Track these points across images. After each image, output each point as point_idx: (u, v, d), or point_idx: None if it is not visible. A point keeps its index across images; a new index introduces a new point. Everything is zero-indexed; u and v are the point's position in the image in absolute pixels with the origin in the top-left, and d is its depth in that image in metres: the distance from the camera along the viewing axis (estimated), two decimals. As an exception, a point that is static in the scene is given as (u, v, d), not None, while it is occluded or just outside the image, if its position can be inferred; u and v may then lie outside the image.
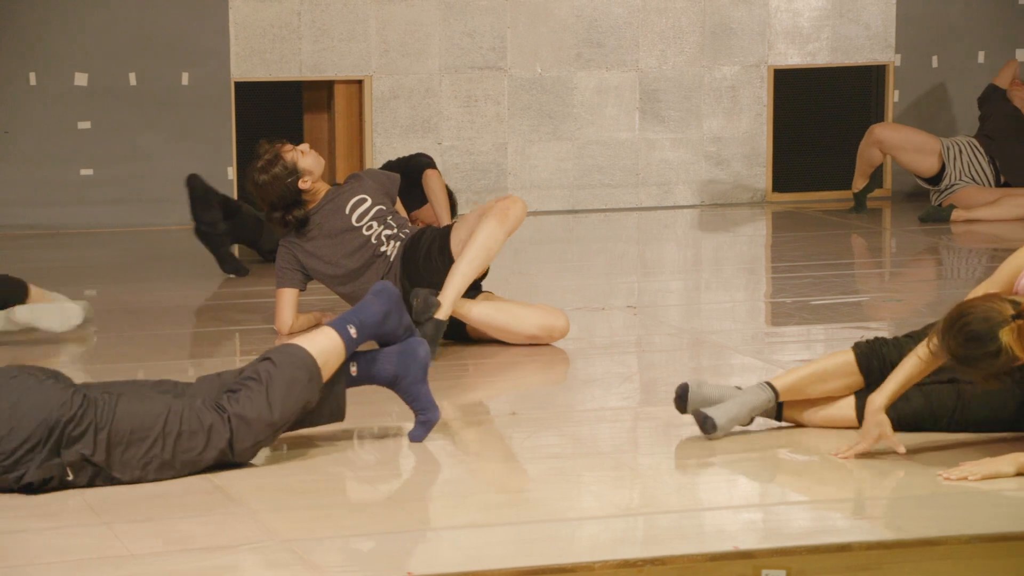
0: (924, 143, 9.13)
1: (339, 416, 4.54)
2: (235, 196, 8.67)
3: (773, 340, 6.23)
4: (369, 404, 5.10)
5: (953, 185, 9.10)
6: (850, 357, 4.62)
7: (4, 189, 8.83)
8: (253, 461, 4.37)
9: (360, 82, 9.25)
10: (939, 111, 9.96)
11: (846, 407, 4.66)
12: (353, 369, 4.54)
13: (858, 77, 9.93)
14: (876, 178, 9.32)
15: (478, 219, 5.82)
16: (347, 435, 4.74)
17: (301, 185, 6.00)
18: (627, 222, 9.26)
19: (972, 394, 4.61)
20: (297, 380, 4.35)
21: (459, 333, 5.95)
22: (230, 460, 4.28)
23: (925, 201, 9.40)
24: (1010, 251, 4.64)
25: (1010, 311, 4.13)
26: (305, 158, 6.03)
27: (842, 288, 7.03)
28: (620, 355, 5.92)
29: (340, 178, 8.77)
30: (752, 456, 4.54)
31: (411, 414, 4.67)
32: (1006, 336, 4.11)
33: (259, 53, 9.04)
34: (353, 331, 4.49)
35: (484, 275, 5.96)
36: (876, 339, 4.67)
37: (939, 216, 8.93)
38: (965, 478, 4.18)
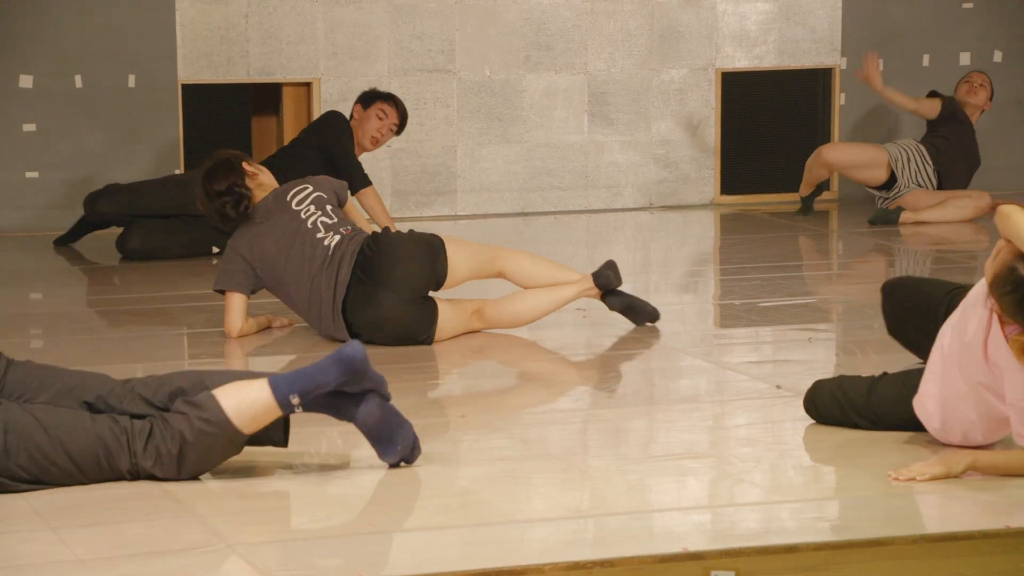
0: (873, 158, 9.17)
1: (278, 444, 4.38)
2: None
3: (722, 342, 6.26)
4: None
5: (902, 191, 9.19)
6: None
7: (-52, 192, 8.77)
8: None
9: (308, 85, 9.23)
10: (885, 114, 10.04)
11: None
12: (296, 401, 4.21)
13: (805, 80, 9.99)
14: (822, 185, 9.39)
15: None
16: (296, 438, 4.72)
17: (246, 166, 6.01)
18: (576, 224, 9.27)
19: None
20: (213, 449, 4.16)
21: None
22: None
23: (872, 204, 9.47)
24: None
25: None
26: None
27: (790, 290, 7.06)
28: (570, 357, 5.93)
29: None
30: (702, 458, 4.55)
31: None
32: None
33: (206, 56, 9.00)
34: (295, 401, 4.14)
35: (438, 286, 5.99)
36: None
37: (888, 218, 9.00)
38: (914, 478, 4.20)
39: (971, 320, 4.40)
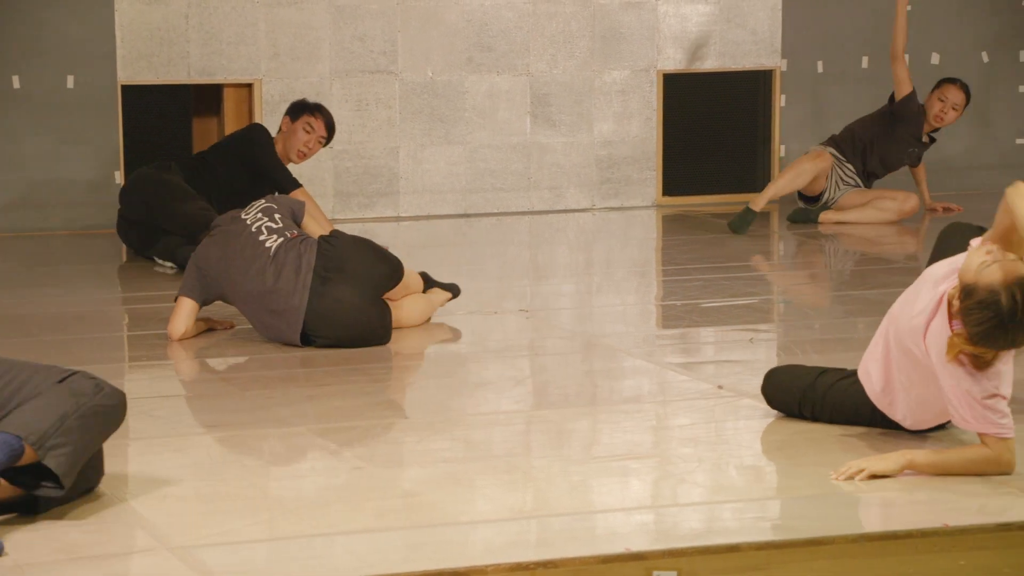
0: (823, 170, 9.10)
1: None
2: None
3: (664, 343, 6.28)
4: (262, 410, 5.07)
5: (832, 198, 9.16)
6: None
7: None
8: (140, 466, 4.31)
9: (250, 86, 9.18)
10: (824, 114, 10.10)
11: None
12: None
13: (745, 82, 10.04)
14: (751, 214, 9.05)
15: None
16: (234, 440, 4.70)
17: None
18: (519, 226, 9.28)
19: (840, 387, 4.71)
20: None
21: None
22: None
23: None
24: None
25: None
26: None
27: (732, 291, 7.10)
28: (513, 359, 5.93)
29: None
30: (644, 458, 4.57)
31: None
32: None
33: (146, 56, 8.94)
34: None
35: (396, 281, 6.03)
36: None
37: (806, 217, 9.07)
38: (853, 477, 4.24)
39: (923, 294, 4.44)
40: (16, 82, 8.78)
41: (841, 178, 9.17)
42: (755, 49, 9.93)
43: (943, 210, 9.40)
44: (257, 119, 9.08)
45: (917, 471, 4.28)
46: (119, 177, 8.89)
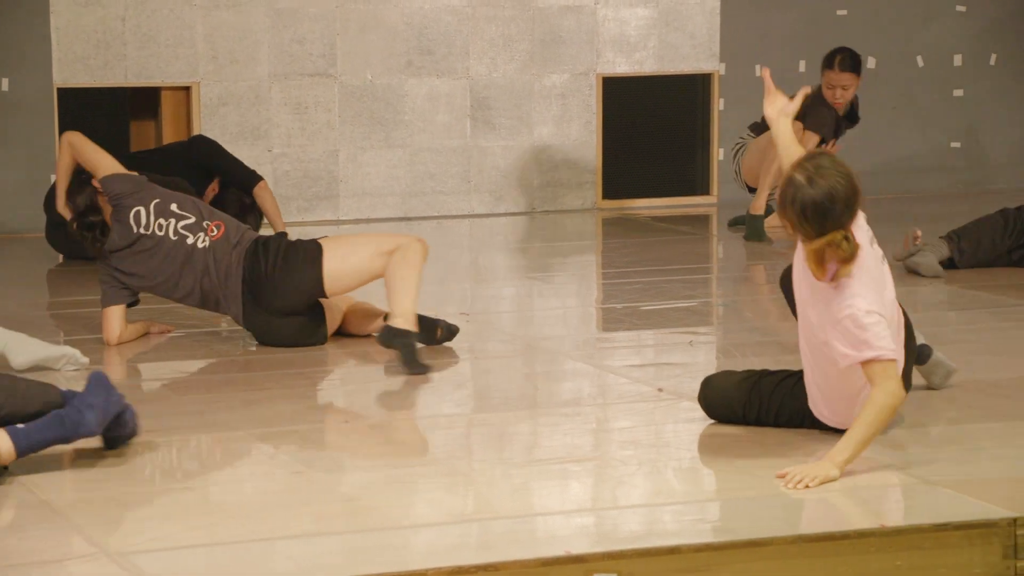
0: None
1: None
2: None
3: (604, 345, 6.29)
4: (200, 415, 5.04)
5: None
6: None
7: None
8: (77, 472, 4.28)
9: (188, 89, 9.13)
10: (762, 118, 10.15)
11: None
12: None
13: (684, 85, 10.08)
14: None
15: (379, 256, 5.90)
16: (172, 445, 4.67)
17: (94, 182, 6.05)
18: (459, 229, 9.28)
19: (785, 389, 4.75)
20: None
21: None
22: None
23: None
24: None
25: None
26: None
27: (671, 294, 7.13)
28: (453, 362, 5.93)
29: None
30: (584, 461, 4.57)
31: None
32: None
33: (82, 59, 8.87)
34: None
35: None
36: None
37: (759, 236, 8.74)
38: (807, 486, 4.22)
39: (797, 262, 4.58)
40: (-50, 85, 8.69)
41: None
42: (694, 53, 9.97)
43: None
44: (195, 122, 9.04)
45: (851, 461, 4.29)
46: (54, 180, 8.81)
